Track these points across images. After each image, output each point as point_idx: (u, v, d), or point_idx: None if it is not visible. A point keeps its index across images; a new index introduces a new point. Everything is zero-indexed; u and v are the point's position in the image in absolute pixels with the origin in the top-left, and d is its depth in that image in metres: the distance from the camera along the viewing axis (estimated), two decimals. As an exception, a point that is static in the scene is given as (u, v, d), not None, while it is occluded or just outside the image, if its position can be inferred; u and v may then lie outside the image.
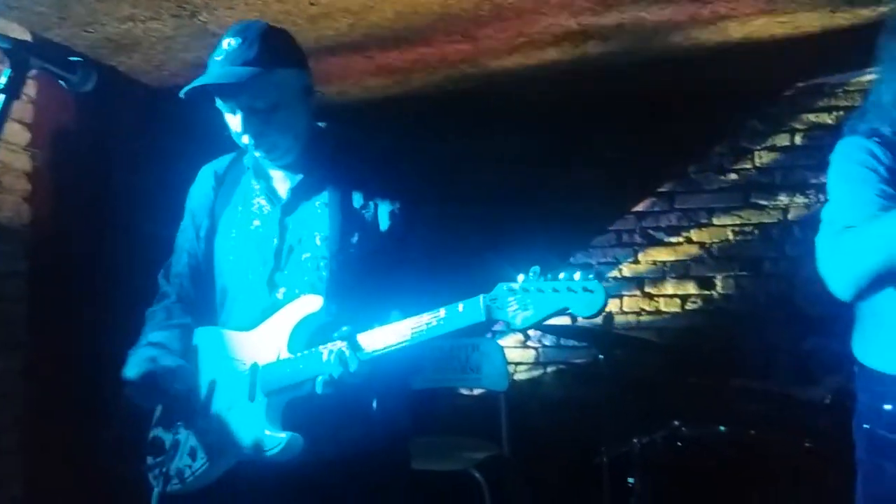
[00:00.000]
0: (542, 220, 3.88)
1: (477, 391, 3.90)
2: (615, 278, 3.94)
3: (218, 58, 1.63)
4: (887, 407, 1.47)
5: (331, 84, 3.52)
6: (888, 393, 1.47)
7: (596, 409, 2.90)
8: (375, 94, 3.71)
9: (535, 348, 4.09)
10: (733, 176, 3.77)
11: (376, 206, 1.70)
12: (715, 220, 3.79)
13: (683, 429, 2.74)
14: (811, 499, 2.52)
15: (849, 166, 1.47)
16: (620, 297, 3.92)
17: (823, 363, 2.82)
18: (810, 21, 2.92)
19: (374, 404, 1.64)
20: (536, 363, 4.08)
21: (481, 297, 1.45)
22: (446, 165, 3.97)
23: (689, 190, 3.83)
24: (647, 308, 3.89)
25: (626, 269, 3.94)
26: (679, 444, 2.74)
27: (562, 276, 1.40)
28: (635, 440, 2.72)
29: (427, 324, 1.48)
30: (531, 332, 4.03)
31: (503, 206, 3.90)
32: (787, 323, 3.28)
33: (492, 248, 3.52)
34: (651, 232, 3.91)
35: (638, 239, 3.93)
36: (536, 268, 1.43)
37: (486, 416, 3.45)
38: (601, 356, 2.85)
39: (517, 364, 4.08)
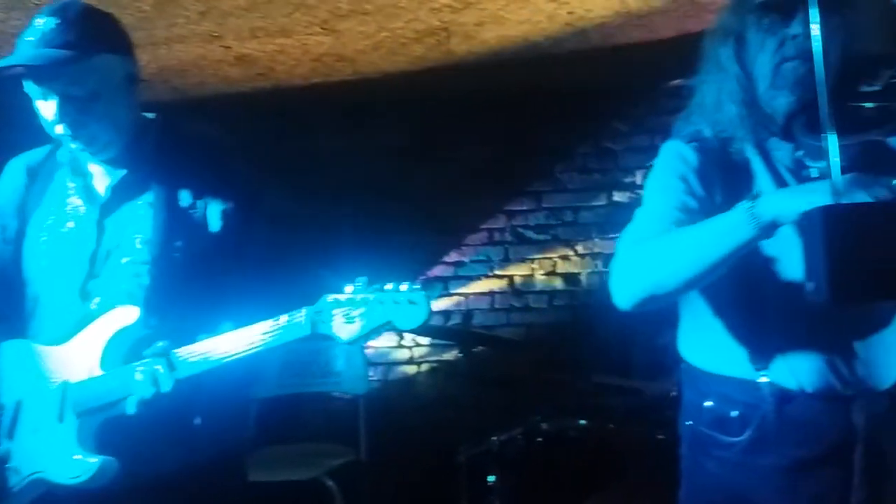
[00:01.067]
0: (414, 217, 3.85)
1: (348, 396, 3.83)
2: (486, 276, 3.96)
3: (30, 38, 1.47)
4: (708, 404, 1.50)
5: (187, 74, 3.35)
6: (709, 390, 1.51)
7: (460, 408, 2.89)
8: (239, 86, 3.56)
9: (409, 347, 4.06)
10: (597, 175, 3.87)
11: (206, 206, 1.57)
12: (580, 219, 3.88)
13: (543, 424, 2.77)
14: (666, 488, 2.59)
15: (661, 173, 1.48)
16: (492, 294, 3.95)
17: (675, 357, 2.92)
18: (664, 25, 3.01)
19: (199, 420, 1.53)
20: (410, 362, 4.05)
21: (305, 310, 1.38)
22: (316, 161, 3.87)
23: (555, 189, 3.90)
24: (517, 305, 3.93)
25: (498, 267, 3.97)
26: (539, 439, 2.76)
27: (389, 286, 1.36)
28: (494, 437, 2.72)
29: (248, 340, 1.40)
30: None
31: (373, 204, 3.85)
32: (645, 319, 3.38)
33: (358, 247, 3.46)
34: (521, 230, 3.95)
35: (508, 237, 3.96)
36: (364, 278, 1.38)
37: (355, 420, 3.39)
38: (461, 354, 2.85)
39: (390, 364, 4.03)
